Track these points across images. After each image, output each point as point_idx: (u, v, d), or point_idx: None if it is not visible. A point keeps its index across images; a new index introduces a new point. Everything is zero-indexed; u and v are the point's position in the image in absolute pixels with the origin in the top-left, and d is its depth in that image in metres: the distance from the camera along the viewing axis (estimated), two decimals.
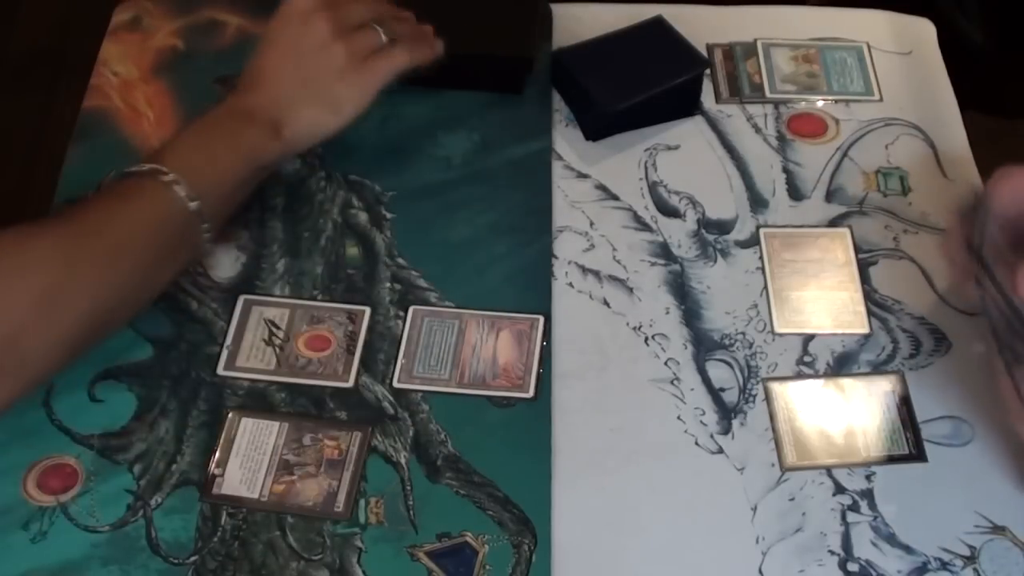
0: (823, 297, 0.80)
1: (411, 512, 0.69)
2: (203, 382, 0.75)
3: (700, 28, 0.92)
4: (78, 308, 0.67)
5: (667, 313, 0.79)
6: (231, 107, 0.78)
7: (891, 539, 0.68)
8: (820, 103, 0.91)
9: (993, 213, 0.67)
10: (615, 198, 0.85)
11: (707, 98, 0.91)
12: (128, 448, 0.71)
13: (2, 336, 0.64)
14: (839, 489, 0.71)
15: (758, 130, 0.89)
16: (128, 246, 0.70)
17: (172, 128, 0.88)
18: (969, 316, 0.78)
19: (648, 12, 0.91)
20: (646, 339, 0.77)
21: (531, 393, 0.74)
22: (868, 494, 0.70)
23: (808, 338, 0.77)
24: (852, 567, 0.67)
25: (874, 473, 0.71)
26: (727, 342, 0.77)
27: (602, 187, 0.85)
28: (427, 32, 0.84)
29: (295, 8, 0.79)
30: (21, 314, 0.65)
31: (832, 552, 0.68)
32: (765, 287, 0.80)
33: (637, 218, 0.84)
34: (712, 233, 0.83)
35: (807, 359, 0.76)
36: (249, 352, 0.76)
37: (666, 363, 0.76)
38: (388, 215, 0.83)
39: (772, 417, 0.74)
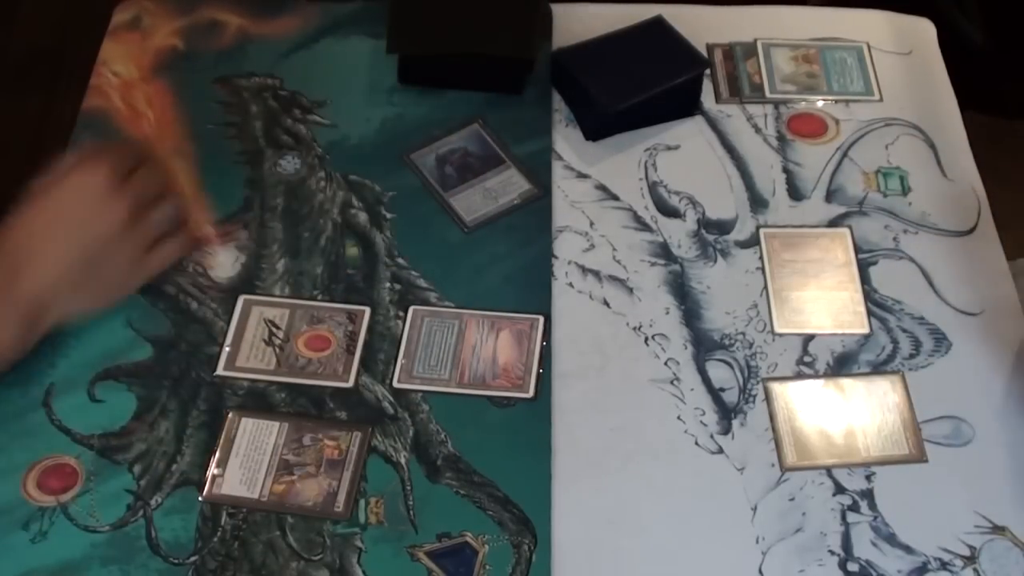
0: (823, 297, 0.80)
1: (411, 512, 0.69)
2: (203, 382, 0.75)
3: (700, 28, 0.92)
4: None
5: (667, 313, 0.79)
6: None
7: (891, 539, 0.68)
8: (820, 103, 0.91)
9: None
10: (615, 198, 0.85)
11: (707, 98, 0.91)
12: (128, 448, 0.71)
13: None
14: (839, 489, 0.71)
15: (758, 130, 0.89)
16: None
17: (171, 128, 0.88)
18: (969, 316, 0.78)
19: (648, 12, 0.91)
20: (646, 339, 0.77)
21: (531, 393, 0.74)
22: (868, 494, 0.70)
23: (808, 338, 0.77)
24: (852, 567, 0.67)
25: (874, 473, 0.71)
26: (727, 342, 0.77)
27: (602, 187, 0.85)
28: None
29: (86, 188, 0.72)
30: None
31: (832, 552, 0.68)
32: (765, 287, 0.80)
33: (637, 218, 0.84)
34: (712, 233, 0.83)
35: (807, 359, 0.76)
36: (249, 352, 0.76)
37: (666, 363, 0.76)
38: (388, 215, 0.83)
39: (772, 417, 0.74)
